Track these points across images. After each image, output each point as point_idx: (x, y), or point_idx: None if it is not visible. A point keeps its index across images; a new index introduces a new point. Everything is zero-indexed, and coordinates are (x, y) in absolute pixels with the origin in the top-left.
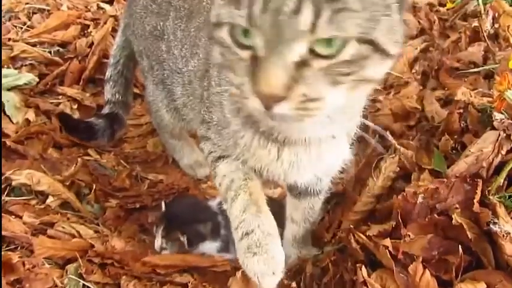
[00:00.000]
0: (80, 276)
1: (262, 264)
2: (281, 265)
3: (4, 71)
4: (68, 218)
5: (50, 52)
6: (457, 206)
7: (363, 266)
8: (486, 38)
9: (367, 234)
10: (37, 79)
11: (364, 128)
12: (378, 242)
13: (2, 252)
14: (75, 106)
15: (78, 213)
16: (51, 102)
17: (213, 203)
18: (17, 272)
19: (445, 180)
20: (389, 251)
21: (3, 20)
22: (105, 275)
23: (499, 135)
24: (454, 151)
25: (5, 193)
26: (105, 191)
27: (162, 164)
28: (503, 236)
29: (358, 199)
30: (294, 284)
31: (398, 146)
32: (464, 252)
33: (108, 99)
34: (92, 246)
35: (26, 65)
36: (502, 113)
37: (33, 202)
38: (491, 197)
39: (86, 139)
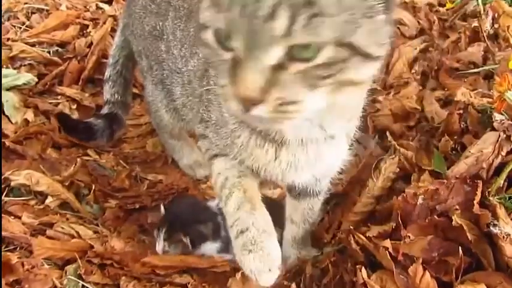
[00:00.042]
0: (80, 277)
1: (258, 261)
2: (277, 261)
3: (3, 71)
4: (67, 219)
5: (49, 52)
6: (457, 207)
7: (363, 267)
8: (486, 38)
9: (367, 235)
10: (36, 79)
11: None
12: (377, 243)
13: (2, 253)
14: (74, 106)
15: (77, 213)
16: (50, 103)
17: (213, 204)
18: (16, 273)
19: (445, 181)
20: (389, 252)
21: (2, 19)
22: (105, 276)
23: (499, 136)
24: (453, 152)
25: (4, 193)
26: (104, 192)
27: (161, 164)
28: (503, 237)
29: (358, 200)
30: (293, 285)
31: (398, 147)
32: (464, 254)
33: (107, 99)
34: (92, 246)
35: (25, 65)
36: (502, 114)
37: (32, 202)
38: (491, 198)
39: (85, 139)
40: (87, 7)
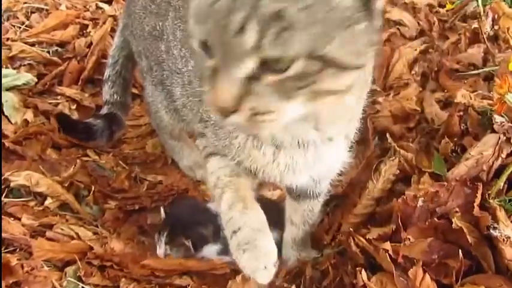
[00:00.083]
0: (79, 278)
1: (253, 260)
2: (273, 259)
3: (3, 71)
4: (67, 220)
5: (48, 52)
6: (457, 209)
7: (363, 270)
8: (486, 39)
9: (367, 237)
10: (36, 79)
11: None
12: (377, 245)
13: (1, 255)
14: (74, 106)
15: (77, 214)
16: (50, 103)
17: (213, 205)
18: (16, 275)
19: (445, 183)
20: (389, 255)
21: (1, 19)
22: (104, 278)
23: (499, 138)
24: (454, 154)
25: (4, 194)
26: (104, 193)
27: (161, 165)
28: (504, 240)
29: (358, 202)
30: (293, 287)
31: (398, 149)
32: (465, 256)
33: (106, 99)
34: (91, 248)
35: (24, 65)
36: (502, 116)
37: (32, 203)
38: (491, 201)
39: (84, 140)
40: (87, 7)
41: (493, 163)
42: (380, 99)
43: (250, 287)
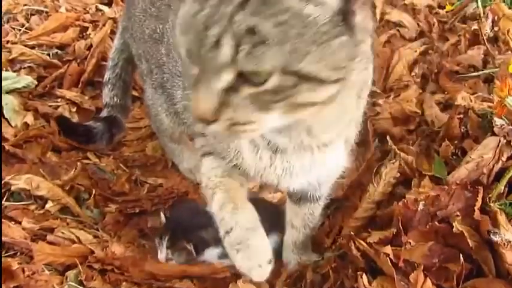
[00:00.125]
0: (80, 282)
1: (246, 259)
2: (266, 256)
3: (3, 73)
4: (68, 223)
5: (48, 54)
6: (458, 213)
7: (364, 274)
8: (486, 41)
9: (368, 241)
10: (36, 82)
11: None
12: (378, 249)
13: (2, 259)
14: (74, 109)
15: (77, 218)
16: (50, 105)
17: None
18: (17, 279)
19: (445, 187)
20: (390, 259)
21: (1, 21)
22: (105, 281)
23: (500, 141)
24: (454, 157)
25: (4, 198)
26: (104, 196)
27: (161, 167)
28: (504, 244)
29: (359, 205)
30: None
31: (398, 152)
32: (465, 260)
33: (106, 102)
34: (92, 252)
35: (24, 68)
36: (502, 119)
37: (33, 207)
38: (492, 205)
39: (84, 143)
40: (87, 9)
41: (493, 166)
42: (380, 101)
43: None
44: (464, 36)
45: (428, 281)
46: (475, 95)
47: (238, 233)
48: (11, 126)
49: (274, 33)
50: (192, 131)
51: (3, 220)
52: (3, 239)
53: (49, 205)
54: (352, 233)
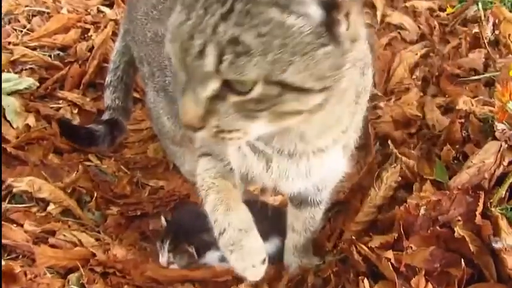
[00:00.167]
0: (82, 286)
1: (240, 260)
2: (260, 256)
3: (5, 75)
4: (69, 226)
5: (50, 56)
6: (459, 218)
7: (365, 278)
8: (486, 44)
9: (369, 245)
10: (37, 83)
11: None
12: (380, 253)
13: (4, 262)
14: (76, 111)
15: (79, 220)
16: (52, 107)
17: None
18: (19, 282)
19: (447, 192)
20: (392, 263)
21: (2, 23)
22: (107, 285)
23: (501, 146)
24: (455, 161)
25: (7, 200)
26: (106, 198)
27: (162, 170)
28: (505, 249)
29: (360, 209)
30: None
31: (399, 155)
32: (467, 265)
33: (108, 105)
34: (94, 255)
35: (26, 69)
36: (503, 124)
37: (34, 209)
38: (493, 209)
39: (86, 145)
40: (88, 10)
41: (494, 171)
42: (381, 104)
43: None
44: (465, 39)
45: (430, 286)
46: (476, 99)
47: (231, 234)
48: (13, 128)
49: (256, 43)
50: None
51: (5, 223)
52: (6, 241)
53: (51, 207)
54: (353, 237)
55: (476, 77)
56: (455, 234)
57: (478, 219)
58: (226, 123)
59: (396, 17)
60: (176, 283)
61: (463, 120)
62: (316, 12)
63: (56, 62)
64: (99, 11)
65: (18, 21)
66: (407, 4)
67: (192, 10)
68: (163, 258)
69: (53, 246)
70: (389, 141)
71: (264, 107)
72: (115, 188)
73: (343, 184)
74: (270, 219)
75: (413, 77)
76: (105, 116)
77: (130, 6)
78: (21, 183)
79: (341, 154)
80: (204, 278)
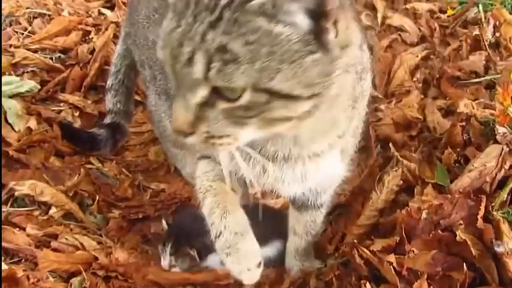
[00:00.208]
0: None
1: (236, 263)
2: (255, 260)
3: (6, 78)
4: (71, 229)
5: (51, 58)
6: (461, 222)
7: (367, 282)
8: (487, 47)
9: (371, 249)
10: (39, 86)
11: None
12: (382, 257)
13: (7, 266)
14: (77, 113)
15: (81, 223)
16: (53, 110)
17: None
18: (21, 286)
19: (449, 196)
20: (394, 267)
21: (3, 25)
22: None
23: (502, 149)
24: (456, 164)
25: (9, 204)
26: (108, 201)
27: (164, 172)
28: (507, 253)
29: (362, 212)
30: None
31: (401, 159)
32: (469, 269)
33: (109, 108)
34: (96, 258)
35: (27, 72)
36: (504, 127)
37: (36, 213)
38: (494, 213)
39: (88, 150)
40: (89, 12)
41: (496, 174)
42: (382, 107)
43: None
44: (465, 42)
45: None
46: (477, 102)
47: (227, 237)
48: (14, 131)
49: (244, 51)
50: None
51: (7, 226)
52: (8, 245)
53: (53, 211)
54: (355, 240)
55: (477, 80)
56: (457, 238)
57: (480, 223)
58: (216, 129)
59: (397, 19)
60: (178, 286)
61: (464, 123)
62: (303, 21)
63: (57, 65)
64: (100, 13)
65: (20, 24)
66: (408, 6)
67: (183, 17)
68: (165, 261)
69: (55, 250)
70: (390, 144)
71: (253, 114)
72: (116, 191)
73: (344, 187)
74: (271, 222)
75: (414, 79)
76: (107, 120)
77: (131, 9)
78: (23, 187)
79: (338, 158)
80: (205, 281)
